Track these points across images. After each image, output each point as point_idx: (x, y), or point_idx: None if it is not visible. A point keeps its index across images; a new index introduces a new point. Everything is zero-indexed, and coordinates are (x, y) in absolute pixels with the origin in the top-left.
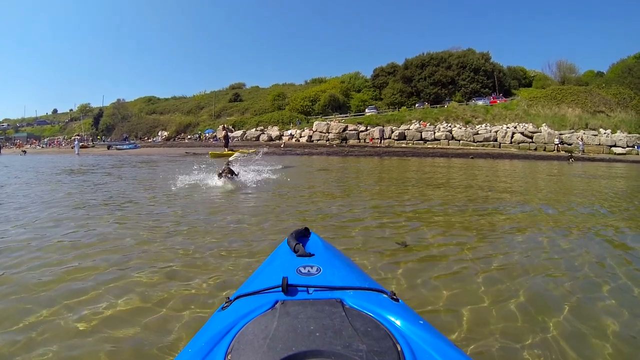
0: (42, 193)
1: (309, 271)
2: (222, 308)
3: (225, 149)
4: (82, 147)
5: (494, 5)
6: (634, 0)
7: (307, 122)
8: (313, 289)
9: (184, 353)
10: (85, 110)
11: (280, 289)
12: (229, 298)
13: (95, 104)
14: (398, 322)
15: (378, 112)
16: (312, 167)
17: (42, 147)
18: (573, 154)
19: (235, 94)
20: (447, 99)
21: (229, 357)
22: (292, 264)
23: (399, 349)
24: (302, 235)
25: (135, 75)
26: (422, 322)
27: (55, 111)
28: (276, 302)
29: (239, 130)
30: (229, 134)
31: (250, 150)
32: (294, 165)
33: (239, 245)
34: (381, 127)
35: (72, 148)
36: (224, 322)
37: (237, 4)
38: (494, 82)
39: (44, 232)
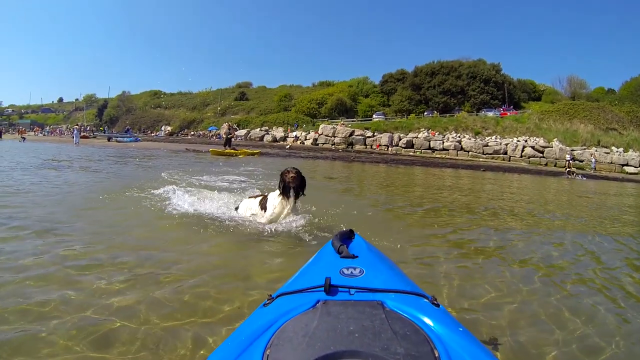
0: None
1: (351, 272)
2: (264, 305)
3: (226, 147)
4: (83, 137)
5: (503, 19)
6: None
7: (313, 125)
8: (355, 290)
9: (224, 345)
10: (90, 100)
11: (322, 288)
12: (271, 295)
13: (101, 94)
14: (437, 328)
15: (386, 119)
16: (315, 173)
17: (44, 135)
18: (571, 169)
19: (242, 93)
20: (456, 108)
21: (267, 352)
22: (335, 264)
23: (437, 354)
24: (347, 237)
25: (142, 69)
26: (461, 329)
27: (60, 100)
28: (318, 302)
29: (243, 129)
30: (233, 132)
31: (255, 151)
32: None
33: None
34: (390, 133)
35: (72, 138)
36: (265, 318)
37: (246, 3)
38: (504, 94)
39: None
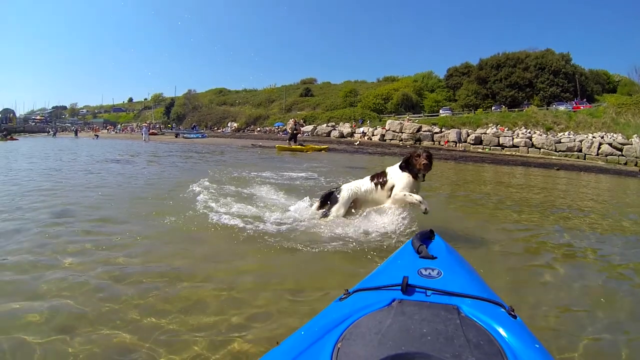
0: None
1: (429, 273)
2: (340, 299)
3: (292, 142)
4: (151, 134)
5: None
6: None
7: (380, 121)
8: (431, 291)
9: (298, 334)
10: (158, 99)
11: (399, 287)
12: (347, 290)
13: (168, 94)
14: (512, 341)
15: (452, 114)
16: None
17: (116, 132)
18: None
19: (307, 89)
20: (525, 102)
21: (339, 345)
22: (414, 264)
23: None
24: (427, 237)
25: (207, 67)
26: (538, 345)
27: (130, 100)
28: (393, 300)
29: (309, 125)
30: (300, 128)
31: (322, 147)
32: (362, 166)
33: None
34: (458, 129)
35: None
36: (340, 312)
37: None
38: (575, 86)
39: None
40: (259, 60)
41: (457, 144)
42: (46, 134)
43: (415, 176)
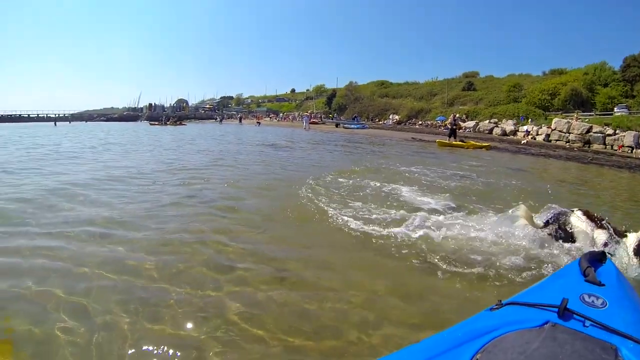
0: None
1: (592, 301)
2: (490, 309)
3: (451, 138)
4: (312, 123)
5: None
6: None
7: (545, 119)
8: (590, 322)
9: (439, 336)
10: (319, 90)
11: (556, 309)
12: (500, 301)
13: (330, 85)
14: None
15: (630, 113)
16: (546, 172)
17: (278, 120)
18: None
19: (469, 83)
20: None
21: (477, 356)
22: (577, 287)
23: None
24: (597, 260)
25: (368, 59)
26: None
27: (293, 90)
28: (547, 322)
29: (471, 120)
30: (460, 123)
31: (484, 144)
32: (524, 167)
33: None
34: (636, 132)
35: (302, 123)
36: (488, 322)
37: None
38: None
39: None
40: (422, 51)
41: (634, 150)
42: (213, 120)
43: None
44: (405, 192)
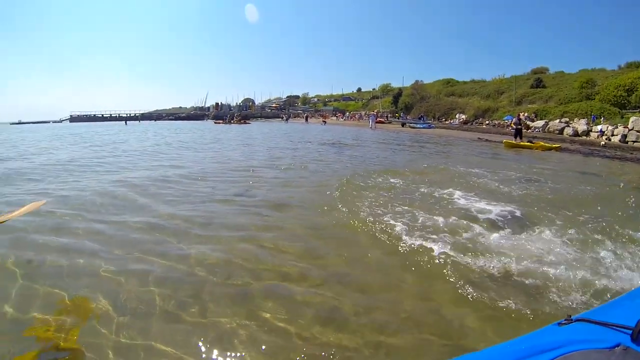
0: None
1: None
2: (559, 323)
3: (517, 139)
4: (378, 122)
5: None
6: None
7: (622, 118)
8: None
9: (501, 347)
10: (385, 90)
11: (630, 331)
12: (570, 316)
13: (396, 84)
14: None
15: None
16: (619, 179)
17: (344, 119)
18: None
19: (537, 80)
20: None
21: None
22: None
23: None
24: None
25: (434, 58)
26: None
27: (359, 89)
28: (618, 345)
29: (540, 120)
30: (528, 122)
31: (554, 145)
32: (596, 172)
33: None
34: None
35: (368, 122)
36: (554, 338)
37: None
38: None
39: None
40: (486, 48)
41: None
42: (280, 119)
43: None
44: (473, 199)
